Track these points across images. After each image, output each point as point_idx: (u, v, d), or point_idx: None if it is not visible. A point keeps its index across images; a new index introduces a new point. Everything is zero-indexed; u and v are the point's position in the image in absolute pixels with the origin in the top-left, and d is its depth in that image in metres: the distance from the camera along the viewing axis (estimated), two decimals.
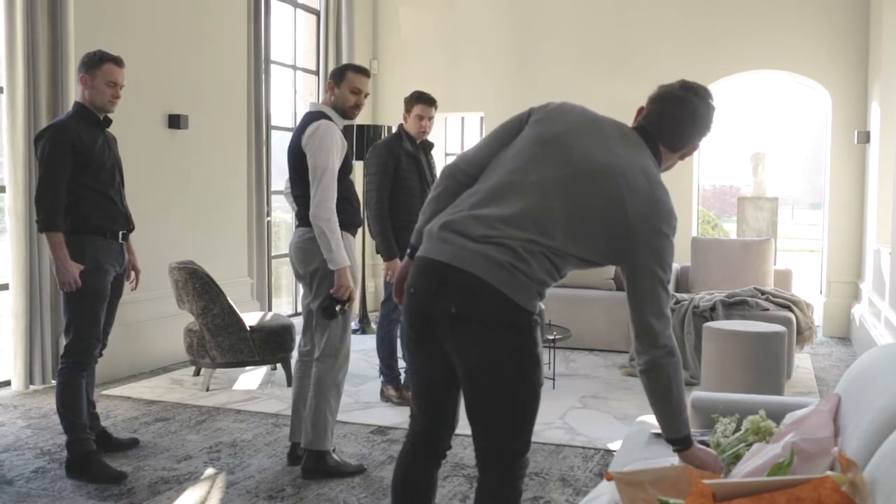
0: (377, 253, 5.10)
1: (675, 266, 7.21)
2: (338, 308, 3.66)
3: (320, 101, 3.83)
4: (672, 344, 2.14)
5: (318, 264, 3.67)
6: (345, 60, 8.41)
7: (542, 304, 2.20)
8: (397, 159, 4.92)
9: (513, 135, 2.28)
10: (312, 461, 3.77)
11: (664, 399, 2.16)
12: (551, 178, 2.13)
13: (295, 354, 4.09)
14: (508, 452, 2.20)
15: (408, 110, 5.03)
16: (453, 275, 2.07)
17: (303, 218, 3.73)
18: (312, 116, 3.72)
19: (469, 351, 2.10)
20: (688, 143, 2.27)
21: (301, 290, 4.02)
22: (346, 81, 3.75)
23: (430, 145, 5.18)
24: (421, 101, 5.01)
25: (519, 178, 2.15)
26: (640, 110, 2.31)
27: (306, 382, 3.91)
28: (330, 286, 3.66)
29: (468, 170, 2.29)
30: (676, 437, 2.20)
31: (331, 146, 3.60)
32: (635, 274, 2.12)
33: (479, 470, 2.25)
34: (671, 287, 2.18)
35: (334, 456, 3.84)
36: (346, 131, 7.42)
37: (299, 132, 3.70)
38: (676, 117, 2.23)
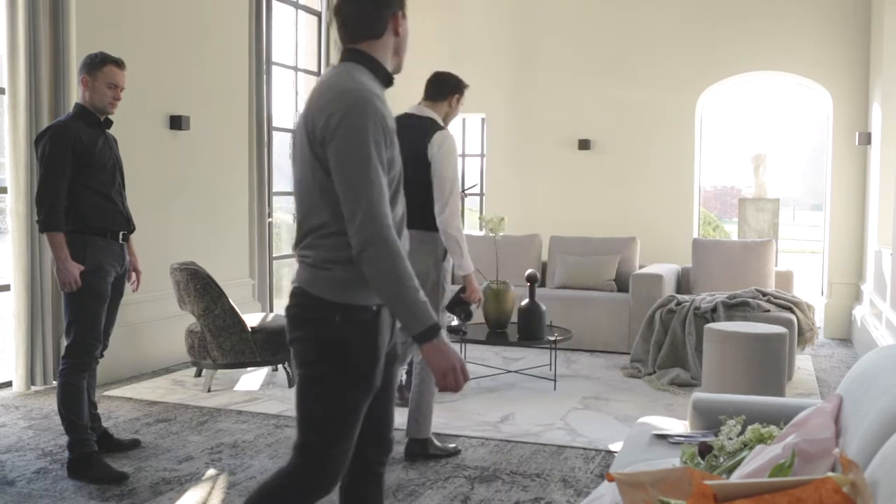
0: None
1: (676, 267, 7.21)
2: (472, 308, 4.05)
3: (421, 104, 4.12)
4: (387, 227, 1.99)
5: (426, 267, 3.90)
6: None
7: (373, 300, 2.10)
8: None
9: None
10: (417, 447, 4.04)
11: (392, 285, 1.99)
12: (294, 162, 2.18)
13: None
14: (300, 444, 2.14)
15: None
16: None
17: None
18: (434, 125, 3.96)
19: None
20: (380, 20, 2.16)
21: None
22: (460, 95, 4.13)
23: None
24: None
25: (295, 188, 2.20)
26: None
27: None
28: (435, 286, 3.91)
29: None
30: (420, 328, 2.00)
31: (456, 158, 3.94)
32: (340, 161, 2.01)
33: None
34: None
35: (435, 442, 4.07)
36: None
37: (422, 138, 3.89)
38: (350, 13, 2.16)
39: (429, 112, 4.01)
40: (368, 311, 2.09)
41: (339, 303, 2.07)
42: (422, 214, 3.91)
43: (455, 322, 4.92)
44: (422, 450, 4.04)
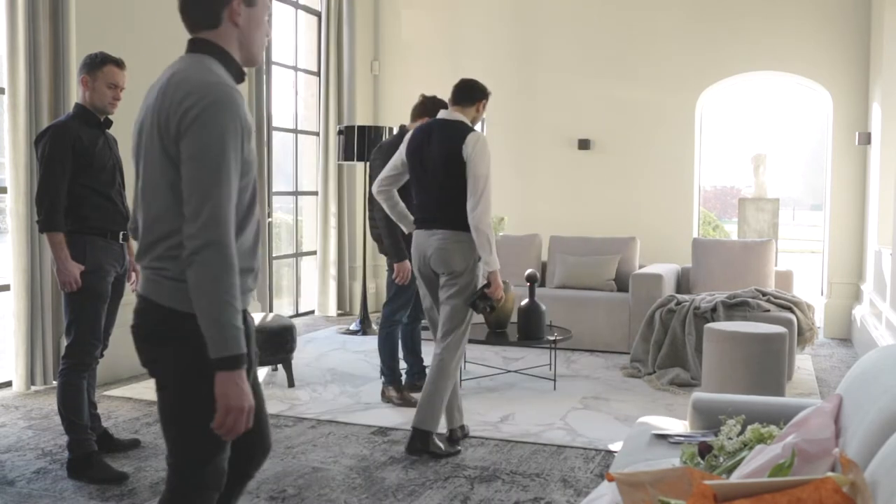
0: (383, 253, 5.11)
1: (676, 267, 7.20)
2: (494, 303, 4.16)
3: (450, 109, 4.23)
4: (230, 234, 1.86)
5: (465, 265, 4.07)
6: (346, 62, 8.42)
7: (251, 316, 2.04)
8: None
9: None
10: (419, 440, 4.05)
11: (215, 295, 1.83)
12: (138, 162, 2.03)
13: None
14: (173, 464, 2.04)
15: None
16: None
17: (443, 221, 4.07)
18: (466, 127, 4.11)
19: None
20: (212, 9, 2.02)
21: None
22: (485, 101, 4.27)
23: None
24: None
25: (140, 191, 2.02)
26: None
27: None
28: (469, 283, 4.08)
29: None
30: (227, 353, 1.85)
31: (489, 157, 4.08)
32: (192, 156, 1.86)
33: None
34: None
35: (437, 441, 4.07)
36: (348, 133, 7.42)
37: (456, 139, 4.01)
38: (185, 0, 2.04)
39: (459, 116, 4.17)
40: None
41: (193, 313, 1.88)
42: (456, 215, 4.02)
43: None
44: (423, 443, 4.04)
